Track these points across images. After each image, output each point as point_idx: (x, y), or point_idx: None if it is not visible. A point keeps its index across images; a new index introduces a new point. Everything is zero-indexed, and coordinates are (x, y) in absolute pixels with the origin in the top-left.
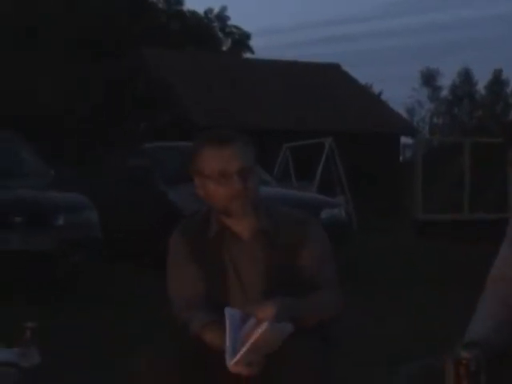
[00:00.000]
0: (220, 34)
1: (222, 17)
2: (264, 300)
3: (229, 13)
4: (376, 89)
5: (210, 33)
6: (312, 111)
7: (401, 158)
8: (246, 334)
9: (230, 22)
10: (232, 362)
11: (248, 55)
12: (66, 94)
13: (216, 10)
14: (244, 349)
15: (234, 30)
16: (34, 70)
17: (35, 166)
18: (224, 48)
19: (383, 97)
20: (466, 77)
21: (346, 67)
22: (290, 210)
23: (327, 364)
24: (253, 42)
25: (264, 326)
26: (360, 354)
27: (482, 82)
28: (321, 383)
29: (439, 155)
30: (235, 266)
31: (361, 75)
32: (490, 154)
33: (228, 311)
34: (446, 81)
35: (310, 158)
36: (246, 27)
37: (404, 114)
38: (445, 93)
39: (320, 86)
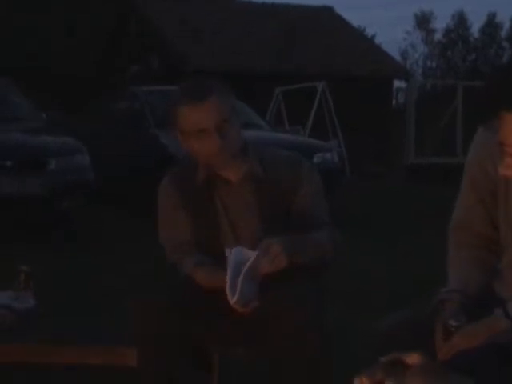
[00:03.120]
0: None
1: None
2: (264, 239)
3: None
4: (369, 32)
5: None
6: (305, 55)
7: (394, 102)
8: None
9: None
10: (233, 301)
11: None
12: (55, 38)
13: None
14: (240, 280)
15: None
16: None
17: (27, 110)
18: None
19: (376, 40)
20: (460, 20)
21: (338, 10)
22: (281, 151)
23: (320, 308)
24: None
25: (254, 254)
26: (346, 301)
27: (476, 25)
28: (314, 324)
29: (432, 99)
30: (227, 210)
31: (353, 18)
32: None
33: (233, 250)
34: (440, 24)
35: (303, 101)
36: None
37: (397, 58)
38: (438, 36)
39: (313, 29)
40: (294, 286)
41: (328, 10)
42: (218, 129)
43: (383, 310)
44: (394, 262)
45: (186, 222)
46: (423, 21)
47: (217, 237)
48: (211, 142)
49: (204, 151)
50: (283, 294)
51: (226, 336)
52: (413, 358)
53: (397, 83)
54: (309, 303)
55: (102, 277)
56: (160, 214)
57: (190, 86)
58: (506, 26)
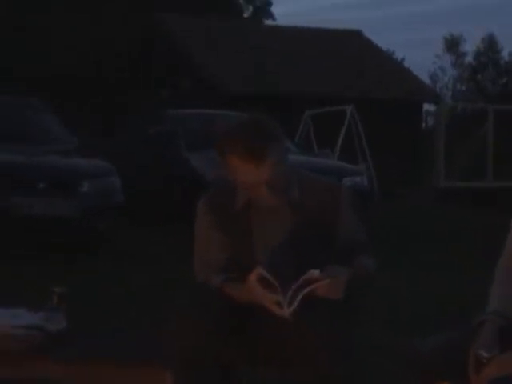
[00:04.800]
0: (241, 1)
1: None
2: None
3: None
4: (398, 55)
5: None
6: (334, 78)
7: (423, 125)
8: (304, 281)
9: None
10: (286, 311)
11: (269, 22)
12: (80, 57)
13: None
14: (302, 294)
15: None
16: (49, 32)
17: (60, 132)
18: (245, 15)
19: (405, 63)
20: (491, 43)
21: (367, 33)
22: (318, 176)
23: (348, 328)
24: (274, 9)
25: (327, 282)
26: (368, 319)
27: (506, 48)
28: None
29: (462, 122)
30: (263, 235)
31: (382, 41)
32: None
33: (260, 270)
34: (470, 47)
35: (332, 125)
36: None
37: (427, 81)
38: (469, 59)
39: (342, 52)
40: (324, 305)
41: (357, 34)
42: (268, 182)
43: (405, 329)
44: (416, 282)
45: (219, 243)
46: (453, 44)
47: (251, 258)
48: (259, 189)
49: (249, 187)
50: (311, 312)
51: (251, 354)
52: None
53: (426, 106)
54: (334, 324)
55: (112, 284)
56: (195, 233)
57: (246, 140)
58: None
